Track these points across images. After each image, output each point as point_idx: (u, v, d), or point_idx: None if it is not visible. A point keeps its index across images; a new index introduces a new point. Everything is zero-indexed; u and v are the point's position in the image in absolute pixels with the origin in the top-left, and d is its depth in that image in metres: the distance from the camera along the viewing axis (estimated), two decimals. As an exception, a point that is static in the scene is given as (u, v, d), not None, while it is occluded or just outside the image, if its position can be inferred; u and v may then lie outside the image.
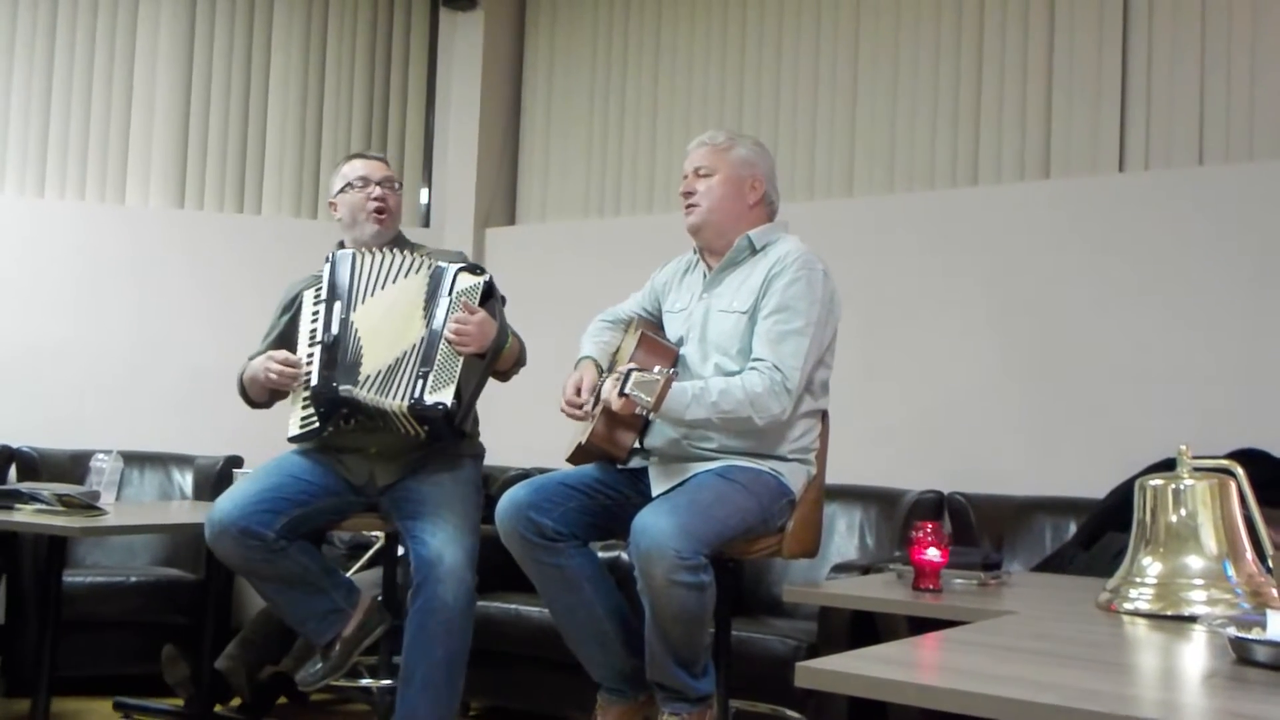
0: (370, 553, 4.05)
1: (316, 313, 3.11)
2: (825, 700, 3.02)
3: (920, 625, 2.15)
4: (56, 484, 3.62)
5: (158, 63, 5.19)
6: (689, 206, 2.85)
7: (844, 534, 3.89)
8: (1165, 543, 2.09)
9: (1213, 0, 3.89)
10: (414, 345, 3.03)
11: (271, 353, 3.11)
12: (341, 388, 2.98)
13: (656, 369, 2.48)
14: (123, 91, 5.15)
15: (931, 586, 2.33)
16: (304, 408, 3.05)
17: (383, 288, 3.11)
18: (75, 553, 4.38)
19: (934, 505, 3.83)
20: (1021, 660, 1.62)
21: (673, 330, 2.91)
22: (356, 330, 3.06)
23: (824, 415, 2.84)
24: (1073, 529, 3.51)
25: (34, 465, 4.46)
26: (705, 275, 2.89)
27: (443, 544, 2.92)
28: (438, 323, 3.03)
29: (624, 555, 3.25)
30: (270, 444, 3.22)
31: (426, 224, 5.55)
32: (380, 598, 3.22)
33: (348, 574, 3.57)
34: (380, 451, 3.09)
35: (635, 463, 2.80)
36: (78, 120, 5.08)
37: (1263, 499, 2.13)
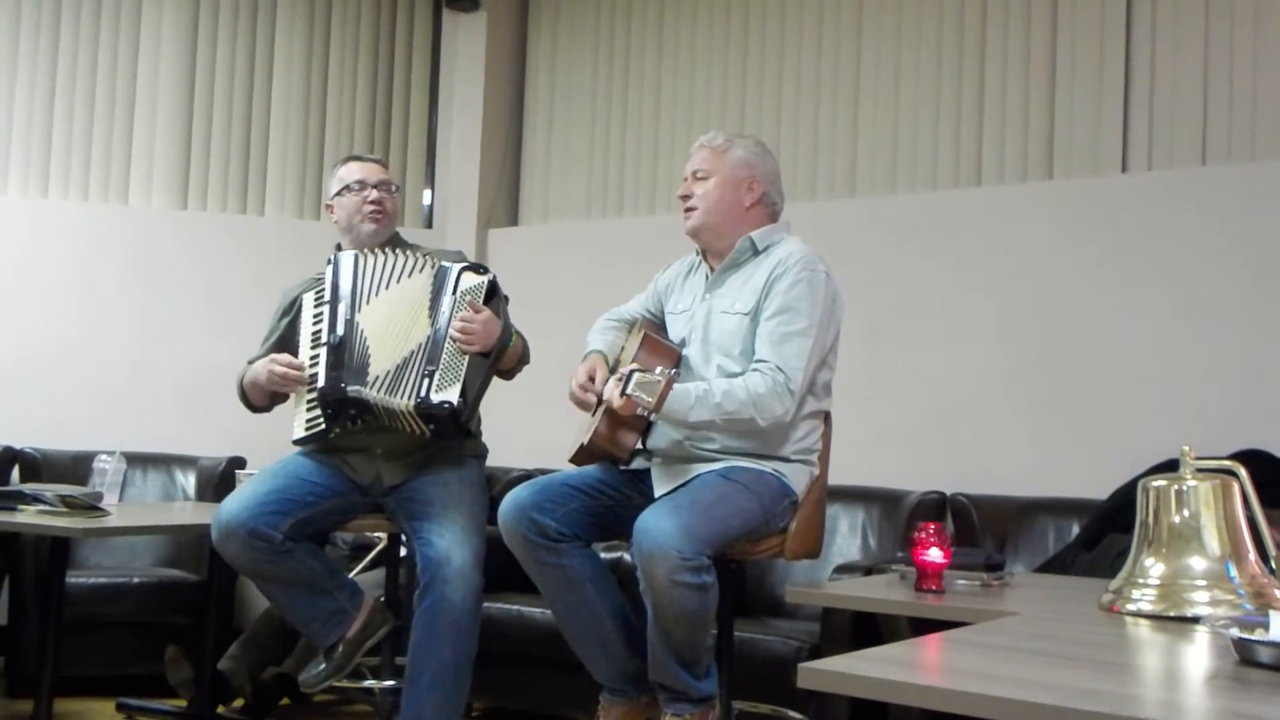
0: (373, 554, 4.05)
1: (319, 314, 3.10)
2: (827, 701, 3.02)
3: (922, 626, 2.15)
4: (59, 485, 3.61)
5: (161, 64, 5.20)
6: (687, 210, 2.86)
7: (846, 535, 3.90)
8: (1168, 543, 2.09)
9: (1215, 1, 3.90)
10: (420, 344, 3.02)
11: (274, 355, 3.11)
12: (350, 388, 2.98)
13: (658, 370, 2.48)
14: (126, 92, 5.15)
15: (934, 587, 2.33)
16: (309, 409, 3.05)
17: (386, 288, 3.10)
18: (78, 553, 4.38)
19: (936, 506, 3.83)
20: (1024, 661, 1.62)
21: (675, 331, 2.90)
22: (362, 331, 3.05)
23: (827, 416, 2.84)
24: (1075, 530, 3.51)
25: (37, 466, 4.47)
26: (707, 276, 2.89)
27: (450, 545, 2.91)
28: (443, 322, 3.03)
29: (626, 556, 3.26)
30: (273, 445, 3.22)
31: (429, 225, 5.55)
32: (383, 599, 3.22)
33: (350, 575, 3.57)
34: (386, 452, 3.09)
35: (638, 463, 2.80)
36: (81, 121, 5.09)
37: (1265, 499, 2.13)
